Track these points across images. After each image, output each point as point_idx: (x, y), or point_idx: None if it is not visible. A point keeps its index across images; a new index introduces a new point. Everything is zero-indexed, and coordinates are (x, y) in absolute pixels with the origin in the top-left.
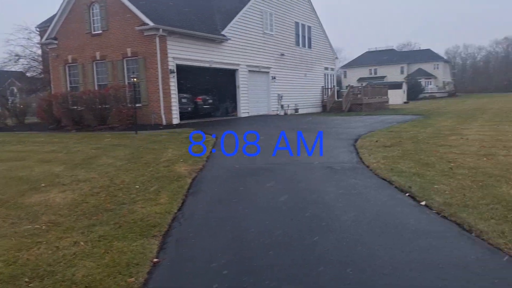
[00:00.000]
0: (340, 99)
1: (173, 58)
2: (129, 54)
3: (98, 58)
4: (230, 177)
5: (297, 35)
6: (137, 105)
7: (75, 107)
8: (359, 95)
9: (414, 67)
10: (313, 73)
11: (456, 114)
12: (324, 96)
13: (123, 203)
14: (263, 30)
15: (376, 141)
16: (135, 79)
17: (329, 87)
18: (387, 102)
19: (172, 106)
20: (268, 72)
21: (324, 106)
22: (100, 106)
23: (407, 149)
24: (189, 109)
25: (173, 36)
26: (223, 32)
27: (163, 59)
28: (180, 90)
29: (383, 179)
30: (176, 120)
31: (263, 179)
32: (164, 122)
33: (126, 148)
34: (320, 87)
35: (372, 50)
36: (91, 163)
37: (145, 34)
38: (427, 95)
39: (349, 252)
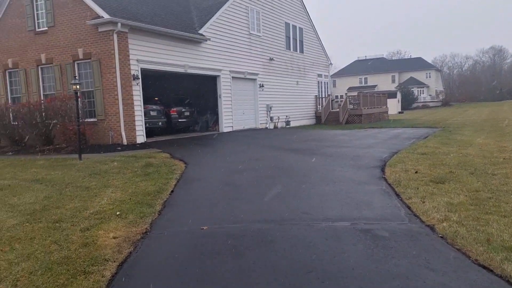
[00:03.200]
0: (335, 110)
1: (137, 60)
2: (80, 56)
3: (43, 61)
4: (190, 259)
5: (288, 37)
6: (91, 120)
7: (16, 123)
8: (357, 105)
9: (406, 76)
10: (306, 80)
11: (475, 126)
12: (318, 107)
13: None
14: (249, 30)
15: (416, 172)
16: (75, 86)
17: (323, 96)
18: (387, 112)
19: (136, 121)
20: (255, 79)
21: (318, 117)
22: (43, 122)
23: (474, 187)
24: (160, 123)
25: (137, 34)
26: (201, 31)
27: (123, 62)
28: (147, 100)
29: (486, 268)
30: (141, 138)
31: (251, 267)
32: (124, 142)
33: (46, 188)
34: (314, 96)
35: (361, 58)
36: None
37: (100, 30)
38: (420, 104)
39: None
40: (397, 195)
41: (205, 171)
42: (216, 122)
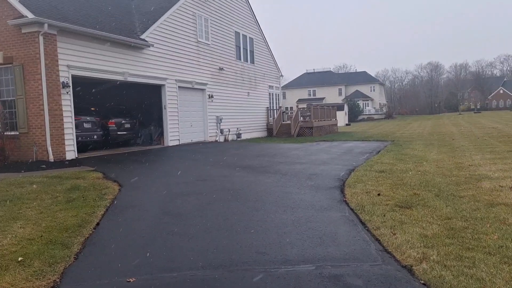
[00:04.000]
0: (287, 122)
1: (68, 66)
2: (0, 60)
3: None
4: None
5: (238, 47)
6: (12, 133)
7: None
8: (308, 118)
9: (352, 89)
10: (257, 92)
11: (424, 140)
12: (270, 119)
13: None
14: (197, 38)
15: (378, 195)
16: None
17: (275, 108)
18: (336, 124)
19: (66, 134)
20: (204, 89)
21: (269, 130)
22: None
23: (445, 214)
24: (95, 137)
25: (68, 37)
26: (143, 36)
27: (50, 68)
28: (82, 111)
29: None
30: (71, 154)
31: None
32: (51, 158)
33: None
34: (265, 108)
35: (310, 71)
36: None
37: (24, 31)
38: (365, 116)
39: None
40: (363, 223)
41: (142, 195)
42: (161, 135)
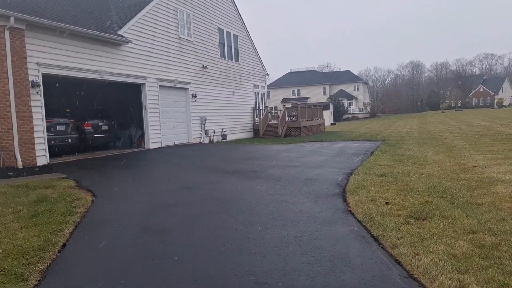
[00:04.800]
0: (273, 122)
1: (38, 64)
2: None
3: None
4: None
5: (222, 44)
6: None
7: None
8: (295, 118)
9: (336, 88)
10: (242, 91)
11: (415, 139)
12: (256, 119)
13: None
14: (179, 34)
15: (386, 203)
16: None
17: (261, 107)
18: (323, 124)
19: (36, 138)
20: (187, 88)
21: (256, 130)
22: None
23: (468, 226)
24: (69, 140)
25: (38, 32)
26: (120, 32)
27: (18, 65)
28: (55, 112)
29: None
30: (43, 159)
31: None
32: (20, 164)
33: None
34: (251, 108)
35: (294, 70)
36: None
37: None
38: (350, 116)
39: None
40: (376, 240)
41: (119, 207)
42: (142, 137)
